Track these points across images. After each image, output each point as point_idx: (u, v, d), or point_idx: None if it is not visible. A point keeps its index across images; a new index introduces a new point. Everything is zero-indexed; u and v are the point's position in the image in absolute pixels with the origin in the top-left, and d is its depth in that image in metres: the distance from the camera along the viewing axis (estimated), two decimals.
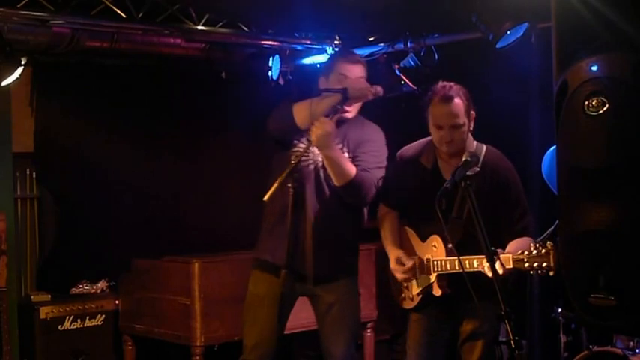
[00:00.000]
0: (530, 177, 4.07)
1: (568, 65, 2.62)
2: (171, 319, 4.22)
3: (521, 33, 3.58)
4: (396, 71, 4.44)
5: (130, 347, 4.50)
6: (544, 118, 3.17)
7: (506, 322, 2.54)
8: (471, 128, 3.07)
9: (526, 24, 3.55)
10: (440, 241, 3.03)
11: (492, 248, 2.63)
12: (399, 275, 3.13)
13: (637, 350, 3.42)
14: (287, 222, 3.11)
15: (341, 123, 3.22)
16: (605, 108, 2.48)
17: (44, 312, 4.34)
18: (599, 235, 2.50)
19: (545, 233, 3.73)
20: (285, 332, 3.34)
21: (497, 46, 3.60)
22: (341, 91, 3.11)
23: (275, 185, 2.98)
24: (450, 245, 2.94)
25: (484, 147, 3.08)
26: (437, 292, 3.04)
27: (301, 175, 3.15)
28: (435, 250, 3.05)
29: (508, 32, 3.53)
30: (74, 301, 4.49)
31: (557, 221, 2.78)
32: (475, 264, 2.86)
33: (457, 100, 3.01)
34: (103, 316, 4.52)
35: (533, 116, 4.14)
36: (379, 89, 3.18)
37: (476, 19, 3.60)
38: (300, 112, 3.18)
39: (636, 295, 2.47)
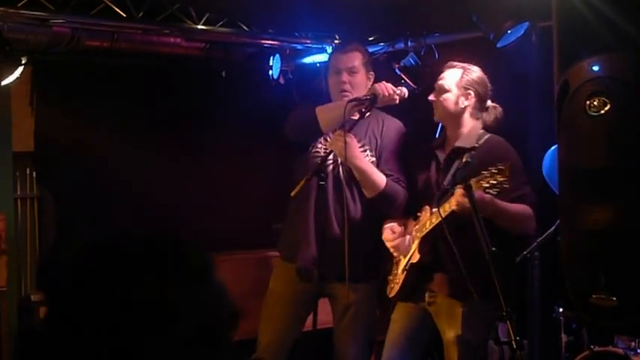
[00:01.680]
0: (530, 177, 4.06)
1: (569, 65, 2.61)
2: None
3: (522, 32, 3.56)
4: (397, 70, 4.44)
5: None
6: (545, 118, 3.16)
7: (508, 322, 2.53)
8: (465, 105, 3.02)
9: (527, 23, 3.54)
10: (427, 209, 3.00)
11: (493, 249, 2.62)
12: (389, 244, 3.08)
13: (638, 350, 3.42)
14: (310, 220, 3.13)
15: (359, 121, 3.19)
16: (606, 108, 2.47)
17: (44, 312, 4.32)
18: (601, 235, 2.50)
19: (546, 233, 3.73)
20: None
21: (498, 45, 3.59)
22: (369, 99, 3.09)
23: (302, 182, 2.98)
24: (434, 209, 2.90)
25: (489, 134, 3.07)
26: (415, 257, 2.99)
27: (325, 174, 3.14)
28: (420, 218, 3.04)
29: (509, 31, 3.52)
30: None
31: (558, 221, 2.78)
32: (447, 207, 2.82)
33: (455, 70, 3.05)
34: None
35: (534, 116, 4.13)
36: (404, 91, 3.18)
37: (476, 18, 3.59)
38: (325, 115, 3.16)
39: (638, 295, 2.46)
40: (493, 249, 2.63)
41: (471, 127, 3.06)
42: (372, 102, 3.09)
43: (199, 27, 4.30)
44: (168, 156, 4.98)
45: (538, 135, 4.02)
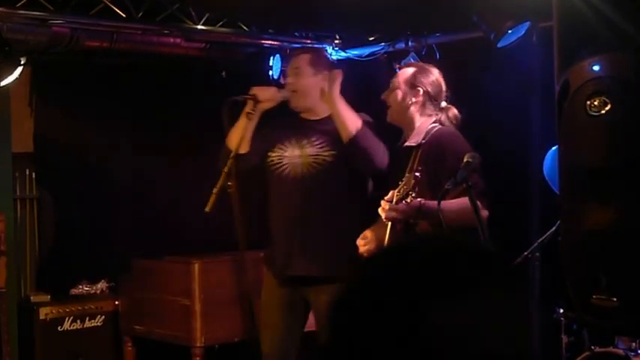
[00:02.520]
0: (531, 177, 4.05)
1: (570, 65, 2.61)
2: (171, 320, 4.20)
3: (523, 32, 3.56)
4: (397, 70, 4.43)
5: (129, 348, 4.48)
6: (545, 118, 3.15)
7: None
8: (412, 101, 3.05)
9: (528, 23, 3.53)
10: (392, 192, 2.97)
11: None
12: (362, 249, 3.07)
13: (639, 351, 3.40)
14: (274, 225, 3.26)
15: (315, 122, 3.32)
16: (607, 108, 2.47)
17: (43, 313, 4.33)
18: (602, 235, 2.49)
19: (547, 233, 3.72)
20: None
21: (499, 45, 3.58)
22: (250, 97, 3.27)
23: (213, 195, 3.13)
24: (385, 220, 2.91)
25: (439, 126, 3.07)
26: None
27: (280, 181, 3.27)
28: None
29: (509, 31, 3.52)
30: (74, 301, 4.47)
31: (558, 221, 2.77)
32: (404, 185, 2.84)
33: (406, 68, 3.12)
34: (103, 316, 4.50)
35: (535, 116, 4.12)
36: (282, 94, 3.32)
37: (477, 18, 3.58)
38: (231, 138, 3.32)
39: (638, 295, 2.45)
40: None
41: (420, 124, 3.07)
42: (254, 100, 3.25)
43: (199, 27, 4.30)
44: (168, 156, 4.97)
45: (539, 135, 4.01)
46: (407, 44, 4.33)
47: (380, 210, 2.86)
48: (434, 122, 3.09)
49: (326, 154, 3.27)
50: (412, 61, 4.33)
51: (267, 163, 3.39)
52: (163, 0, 4.09)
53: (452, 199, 2.86)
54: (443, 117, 3.10)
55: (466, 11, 3.59)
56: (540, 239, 3.77)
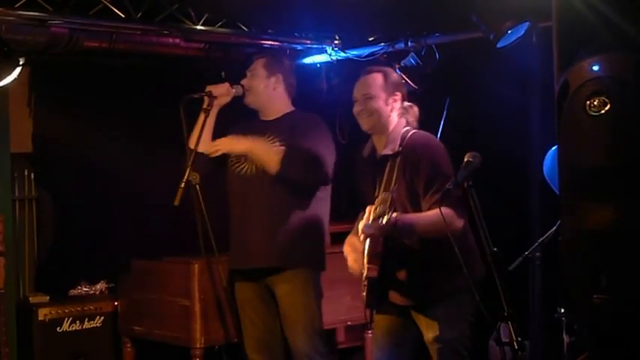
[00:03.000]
0: (531, 177, 4.05)
1: (569, 65, 2.60)
2: (170, 321, 4.20)
3: (522, 32, 3.56)
4: (397, 71, 4.43)
5: (129, 349, 4.47)
6: (545, 118, 3.15)
7: (509, 323, 2.52)
8: (393, 109, 3.03)
9: (527, 23, 3.53)
10: (369, 209, 2.95)
11: (495, 249, 2.61)
12: (350, 263, 3.06)
13: None
14: (232, 222, 3.40)
15: (270, 122, 3.47)
16: (606, 108, 2.47)
17: (42, 314, 4.32)
18: (601, 235, 2.49)
19: (547, 233, 3.72)
20: None
21: (498, 45, 3.58)
22: (203, 94, 3.44)
23: (180, 189, 3.26)
24: (360, 235, 2.91)
25: (413, 131, 3.04)
26: (370, 273, 2.89)
27: (240, 178, 3.41)
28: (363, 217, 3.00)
29: (509, 31, 3.52)
30: (73, 302, 4.46)
31: (559, 221, 2.77)
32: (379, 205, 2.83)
33: (374, 75, 3.05)
34: (102, 317, 4.49)
35: (534, 116, 4.13)
36: (236, 90, 3.50)
37: (477, 19, 3.58)
38: (191, 139, 3.47)
39: (639, 295, 2.45)
40: (495, 249, 2.61)
41: (392, 128, 3.02)
42: (209, 96, 3.42)
43: (198, 27, 4.29)
44: (167, 157, 4.95)
45: (539, 135, 4.02)
46: (406, 44, 4.33)
47: (359, 226, 2.90)
48: (405, 125, 3.05)
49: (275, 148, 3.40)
50: (412, 61, 4.33)
51: (228, 163, 3.53)
52: (162, 0, 4.09)
53: (451, 200, 2.84)
54: (411, 117, 3.08)
55: (466, 11, 3.58)
56: (541, 239, 3.78)
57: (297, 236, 3.38)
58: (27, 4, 3.77)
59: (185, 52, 4.51)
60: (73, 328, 4.41)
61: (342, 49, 4.65)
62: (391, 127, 3.03)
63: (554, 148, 3.33)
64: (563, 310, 3.73)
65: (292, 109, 3.57)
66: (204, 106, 3.42)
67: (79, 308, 4.43)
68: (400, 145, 2.97)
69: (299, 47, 4.73)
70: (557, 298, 3.75)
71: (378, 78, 3.05)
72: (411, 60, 4.27)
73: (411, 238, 2.87)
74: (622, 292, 2.47)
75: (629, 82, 2.46)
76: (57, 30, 3.99)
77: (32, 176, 4.73)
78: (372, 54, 4.49)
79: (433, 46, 4.29)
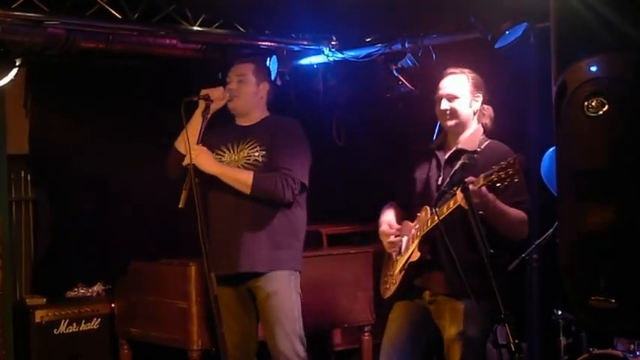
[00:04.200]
0: (528, 178, 4.04)
1: (567, 65, 2.60)
2: (167, 323, 4.18)
3: (520, 33, 3.55)
4: (394, 72, 4.42)
5: (126, 351, 4.46)
6: (543, 119, 3.14)
7: (506, 325, 2.51)
8: (475, 108, 3.08)
9: (525, 24, 3.53)
10: (427, 209, 3.01)
11: (491, 251, 2.60)
12: (386, 240, 3.10)
13: (638, 353, 3.40)
14: (207, 227, 3.31)
15: (249, 127, 3.47)
16: (604, 109, 2.46)
17: (39, 316, 4.30)
18: (600, 236, 2.49)
19: (545, 235, 3.71)
20: None
21: (496, 46, 3.58)
22: (201, 98, 3.40)
23: (184, 192, 3.21)
24: (435, 209, 2.92)
25: (490, 140, 3.09)
26: (415, 256, 2.99)
27: (219, 183, 3.38)
28: (420, 217, 3.04)
29: (507, 32, 3.52)
30: (69, 304, 4.45)
31: (557, 223, 2.76)
32: (452, 204, 2.84)
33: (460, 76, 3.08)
34: (99, 319, 4.48)
35: (533, 117, 4.12)
36: (227, 95, 3.47)
37: (474, 19, 3.57)
38: (181, 142, 3.45)
39: (637, 297, 2.44)
40: (491, 251, 2.60)
41: (473, 130, 3.07)
42: (206, 100, 3.38)
43: (195, 28, 4.28)
44: (164, 158, 4.94)
45: (537, 136, 4.01)
46: (404, 45, 4.33)
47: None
48: (483, 132, 3.10)
49: (257, 154, 3.42)
50: (409, 62, 4.32)
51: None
52: (159, 1, 4.08)
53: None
54: (486, 120, 3.14)
55: (463, 12, 3.58)
56: (538, 241, 3.77)
57: (280, 239, 3.42)
58: (23, 4, 3.76)
59: (182, 53, 4.50)
60: (70, 330, 4.39)
61: (339, 50, 4.65)
62: (469, 127, 3.09)
63: (552, 149, 3.33)
64: (560, 312, 3.72)
65: (268, 113, 3.61)
66: (202, 109, 3.41)
67: (75, 310, 4.42)
68: (479, 146, 3.02)
69: (296, 48, 4.72)
70: (555, 299, 3.74)
71: (462, 79, 3.12)
72: (407, 61, 4.27)
73: (488, 216, 2.82)
74: (620, 293, 2.46)
75: (627, 83, 2.46)
76: (54, 31, 3.98)
77: (29, 178, 4.72)
78: (369, 55, 4.48)
79: (430, 47, 4.29)
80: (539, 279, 3.86)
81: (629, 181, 2.44)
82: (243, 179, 3.36)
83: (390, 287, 3.11)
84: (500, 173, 2.67)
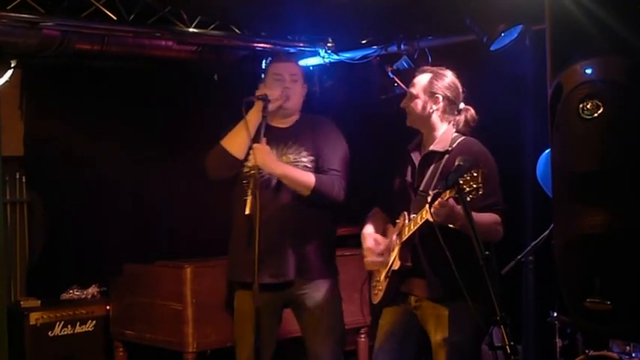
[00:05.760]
0: (524, 180, 4.04)
1: (562, 68, 2.60)
2: (163, 325, 4.18)
3: (516, 35, 3.56)
4: (390, 74, 4.42)
5: (121, 353, 4.45)
6: (538, 121, 3.15)
7: (502, 327, 2.51)
8: (434, 109, 3.05)
9: (520, 26, 3.53)
10: (405, 215, 3.01)
11: (487, 253, 2.60)
12: (370, 258, 3.10)
13: (633, 355, 3.40)
14: (251, 235, 3.15)
15: (287, 129, 3.34)
16: (599, 111, 2.46)
17: (34, 318, 4.29)
18: (595, 238, 2.49)
19: (541, 237, 3.71)
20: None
21: (492, 48, 3.58)
22: (261, 98, 3.25)
23: (249, 198, 3.08)
24: (412, 215, 2.93)
25: (463, 137, 3.06)
26: (396, 264, 2.99)
27: (264, 188, 3.23)
28: (398, 224, 3.04)
29: (502, 34, 3.52)
30: (64, 306, 4.44)
31: (552, 225, 2.76)
32: (419, 219, 2.85)
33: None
34: (94, 321, 4.47)
35: (528, 119, 4.12)
36: (288, 93, 3.32)
37: (470, 22, 3.58)
38: (232, 143, 3.31)
39: (632, 299, 2.45)
40: (486, 252, 2.60)
41: (444, 130, 3.06)
42: (265, 100, 3.23)
43: (191, 30, 4.28)
44: (159, 160, 4.95)
45: (532, 138, 4.01)
46: (399, 47, 4.33)
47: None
48: (456, 131, 3.08)
49: (305, 159, 3.31)
50: (405, 64, 4.33)
51: (241, 174, 3.36)
52: (155, 3, 4.07)
53: (501, 211, 2.91)
54: (462, 119, 3.10)
55: (459, 14, 3.58)
56: (534, 243, 3.77)
57: (325, 245, 3.33)
58: (18, 5, 3.75)
59: (177, 55, 4.50)
60: (65, 333, 4.38)
61: (335, 52, 4.65)
62: (438, 128, 3.07)
63: (547, 151, 3.33)
64: (556, 314, 3.72)
65: (299, 114, 3.47)
66: (260, 109, 3.25)
67: (70, 312, 4.41)
68: (450, 146, 3.00)
69: (292, 50, 4.72)
70: (550, 301, 3.75)
71: (423, 79, 3.09)
72: (403, 63, 4.27)
73: (460, 227, 2.79)
74: (616, 295, 2.46)
75: (622, 86, 2.46)
76: (49, 32, 3.97)
77: (24, 179, 4.71)
78: (365, 57, 4.49)
79: (426, 49, 4.29)
80: (535, 281, 3.87)
81: (624, 184, 2.45)
82: (305, 180, 3.22)
83: (378, 293, 3.12)
84: (464, 186, 2.63)
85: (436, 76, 3.07)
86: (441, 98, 3.05)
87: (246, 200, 3.12)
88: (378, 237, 3.14)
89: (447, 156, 2.98)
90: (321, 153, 3.29)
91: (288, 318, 3.50)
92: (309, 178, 3.22)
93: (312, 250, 3.28)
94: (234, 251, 3.41)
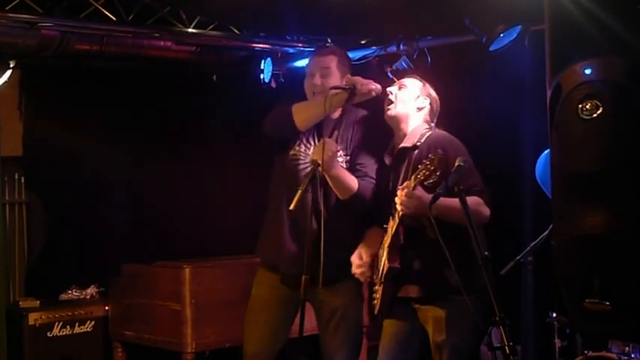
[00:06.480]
0: (523, 181, 4.04)
1: (562, 68, 2.60)
2: (161, 325, 4.18)
3: (515, 36, 3.55)
4: (389, 74, 4.41)
5: (119, 354, 4.45)
6: (537, 122, 3.14)
7: (501, 327, 2.51)
8: (419, 107, 3.08)
9: (519, 27, 3.52)
10: (391, 218, 3.00)
11: (486, 253, 2.60)
12: (355, 270, 3.08)
13: (632, 355, 3.40)
14: (287, 225, 3.12)
15: (332, 122, 3.18)
16: (599, 111, 2.46)
17: (33, 318, 4.29)
18: (594, 239, 2.49)
19: (540, 237, 3.71)
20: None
21: (491, 48, 3.58)
22: (349, 88, 3.10)
23: (299, 193, 2.93)
24: (390, 216, 2.93)
25: (435, 130, 3.09)
26: (385, 268, 2.98)
27: (298, 178, 3.14)
28: (387, 229, 3.03)
29: (501, 35, 3.51)
30: (63, 307, 4.44)
31: (551, 225, 2.76)
32: (397, 216, 2.86)
33: None
34: (93, 322, 4.47)
35: (527, 119, 4.12)
36: (379, 87, 3.18)
37: (469, 22, 3.57)
38: (301, 113, 3.16)
39: (631, 299, 2.45)
40: (486, 253, 2.60)
41: (415, 127, 3.08)
42: (351, 92, 3.10)
43: (190, 30, 4.28)
44: (158, 161, 4.95)
45: (531, 139, 4.01)
46: (399, 48, 4.33)
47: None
48: (426, 128, 3.10)
49: (340, 159, 3.20)
50: (404, 64, 4.32)
51: (287, 156, 3.23)
52: (154, 3, 4.07)
53: (480, 192, 2.90)
54: (426, 110, 3.15)
55: (458, 15, 3.58)
56: (533, 243, 3.77)
57: (352, 248, 3.20)
58: (17, 6, 3.75)
59: (176, 55, 4.50)
60: (64, 333, 4.38)
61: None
62: (410, 125, 3.10)
63: (546, 151, 3.33)
64: (555, 315, 3.72)
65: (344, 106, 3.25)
66: (342, 101, 3.12)
67: (69, 313, 4.41)
68: (418, 141, 3.02)
69: (291, 50, 4.72)
70: (550, 302, 3.74)
71: (417, 82, 3.15)
72: (402, 63, 4.26)
73: (437, 216, 2.77)
74: (615, 296, 2.46)
75: (621, 86, 2.46)
76: (47, 33, 3.97)
77: (22, 180, 4.70)
78: (364, 57, 4.48)
79: (425, 50, 4.29)
80: (534, 281, 3.87)
81: (623, 184, 2.45)
82: (351, 185, 3.11)
83: (377, 303, 3.11)
84: (425, 171, 2.70)
85: (426, 85, 3.16)
86: (428, 102, 3.11)
87: (296, 193, 2.97)
88: (362, 250, 3.10)
89: (415, 151, 2.99)
90: (358, 155, 3.19)
91: None
92: (354, 184, 3.13)
93: (342, 252, 3.18)
94: (272, 236, 3.26)
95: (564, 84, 2.56)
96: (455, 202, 2.75)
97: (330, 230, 3.10)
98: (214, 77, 5.01)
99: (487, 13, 3.52)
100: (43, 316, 4.33)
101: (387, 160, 3.12)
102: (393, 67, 4.31)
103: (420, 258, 2.95)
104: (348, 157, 3.20)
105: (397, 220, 2.91)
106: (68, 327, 4.39)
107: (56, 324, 4.36)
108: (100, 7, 3.96)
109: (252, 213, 3.77)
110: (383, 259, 3.03)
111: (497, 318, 2.51)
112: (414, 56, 4.28)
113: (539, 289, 3.90)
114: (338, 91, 3.13)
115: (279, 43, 4.62)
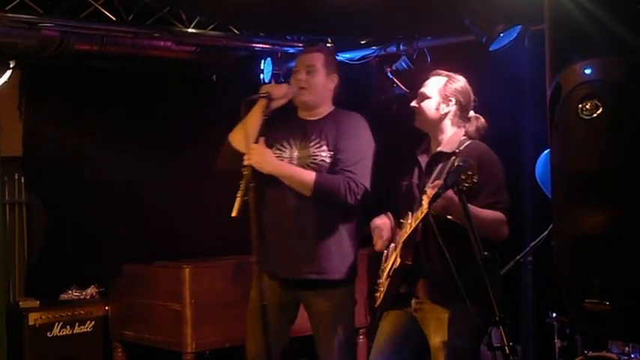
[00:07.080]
0: (523, 181, 4.05)
1: (562, 68, 2.60)
2: (161, 325, 4.17)
3: (515, 36, 3.56)
4: (389, 74, 4.42)
5: (119, 354, 4.45)
6: (537, 122, 3.15)
7: (501, 328, 2.51)
8: (445, 111, 3.04)
9: (519, 27, 3.53)
10: (409, 214, 3.00)
11: (485, 253, 2.60)
12: (377, 241, 3.08)
13: (632, 355, 3.40)
14: (269, 227, 3.17)
15: (314, 122, 3.26)
16: (599, 111, 2.46)
17: (33, 318, 4.29)
18: (594, 239, 2.48)
19: (540, 237, 3.72)
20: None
21: (491, 48, 3.58)
22: (265, 96, 3.18)
23: (238, 199, 3.00)
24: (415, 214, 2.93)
25: (470, 140, 3.07)
26: (396, 262, 2.98)
27: (278, 180, 3.17)
28: (403, 223, 3.03)
29: (501, 35, 3.52)
30: (63, 307, 4.43)
31: (551, 225, 2.76)
32: (419, 214, 2.84)
33: None
34: (93, 322, 4.47)
35: (527, 119, 4.13)
36: (294, 88, 3.24)
37: (469, 22, 3.58)
38: (236, 134, 3.23)
39: (631, 299, 2.44)
40: (485, 253, 2.60)
41: (452, 133, 3.07)
42: (268, 98, 3.17)
43: (190, 30, 4.28)
44: (158, 161, 4.94)
45: (531, 139, 4.01)
46: (398, 48, 4.34)
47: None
48: (464, 135, 3.08)
49: (324, 154, 3.22)
50: (404, 64, 4.33)
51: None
52: (154, 3, 4.07)
53: (505, 209, 2.89)
54: (471, 127, 3.10)
55: (458, 15, 3.58)
56: (533, 243, 3.77)
57: (343, 246, 3.23)
58: (17, 6, 3.75)
59: (176, 55, 4.50)
60: (64, 333, 4.38)
61: (334, 52, 4.64)
62: (446, 131, 3.06)
63: (546, 151, 3.33)
64: (555, 315, 3.72)
65: (333, 108, 3.34)
66: (261, 108, 3.19)
67: (69, 313, 4.40)
68: (458, 148, 3.00)
69: (291, 50, 4.72)
70: (549, 302, 3.74)
71: (438, 81, 3.08)
72: (402, 63, 4.27)
73: (459, 219, 2.76)
74: (614, 296, 2.46)
75: (621, 86, 2.46)
76: (47, 33, 3.97)
77: (22, 180, 4.70)
78: (364, 57, 4.49)
79: (425, 50, 4.29)
80: (534, 281, 3.87)
81: (623, 184, 2.45)
82: (305, 180, 3.13)
83: (380, 295, 3.11)
84: (461, 175, 2.64)
85: (451, 80, 3.07)
86: (454, 102, 3.05)
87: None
88: (386, 221, 3.12)
89: (453, 157, 2.93)
90: (339, 152, 3.20)
91: None
92: (309, 178, 3.15)
93: (324, 251, 3.19)
94: (259, 238, 3.24)
95: (564, 84, 2.56)
96: (483, 212, 2.79)
97: (308, 230, 3.16)
98: (214, 77, 5.02)
99: (487, 13, 3.52)
100: (43, 316, 4.32)
101: (422, 160, 3.10)
102: (393, 68, 4.32)
103: (433, 260, 2.92)
104: (332, 153, 3.21)
105: (419, 216, 2.87)
106: (68, 327, 4.39)
107: (56, 324, 4.35)
108: (100, 7, 3.96)
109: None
110: (395, 253, 3.02)
111: (497, 318, 2.51)
112: (414, 56, 4.29)
113: (539, 289, 3.91)
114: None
115: (280, 43, 4.63)
